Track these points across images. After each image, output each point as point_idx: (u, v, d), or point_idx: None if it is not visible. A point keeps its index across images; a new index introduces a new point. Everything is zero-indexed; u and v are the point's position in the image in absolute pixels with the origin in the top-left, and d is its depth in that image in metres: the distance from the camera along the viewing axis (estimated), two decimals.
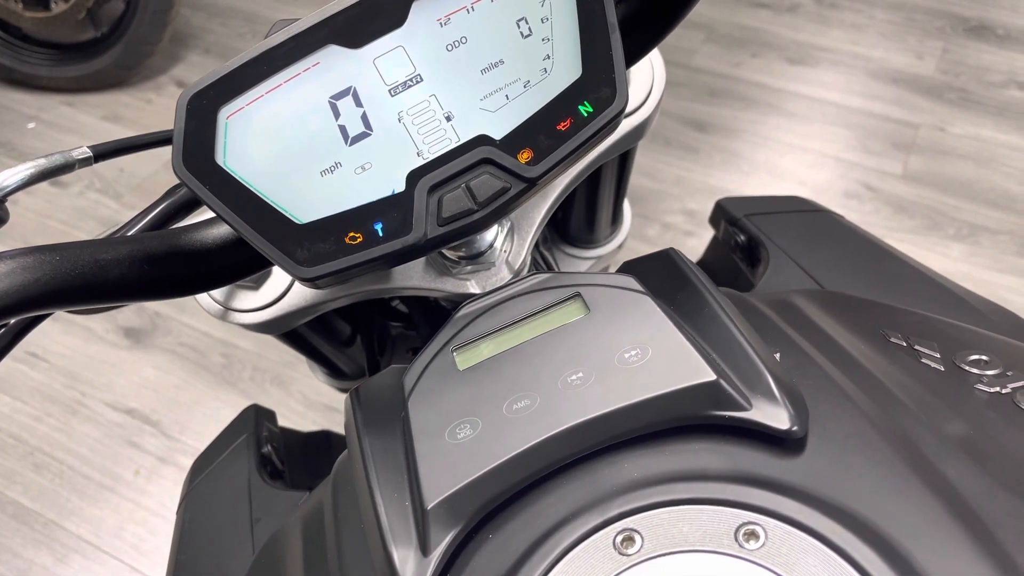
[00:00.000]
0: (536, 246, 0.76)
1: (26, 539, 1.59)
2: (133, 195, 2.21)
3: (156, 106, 2.49)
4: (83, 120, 2.46)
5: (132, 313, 1.92)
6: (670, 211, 2.06)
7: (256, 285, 0.57)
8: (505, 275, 0.54)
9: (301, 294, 0.57)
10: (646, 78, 0.61)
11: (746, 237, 0.69)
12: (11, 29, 2.46)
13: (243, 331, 1.92)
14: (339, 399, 1.75)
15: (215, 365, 1.83)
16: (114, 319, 1.91)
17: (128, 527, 1.59)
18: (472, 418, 0.39)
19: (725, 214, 0.72)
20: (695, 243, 1.99)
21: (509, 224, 0.55)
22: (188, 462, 1.69)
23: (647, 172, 2.15)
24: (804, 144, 2.21)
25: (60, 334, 1.89)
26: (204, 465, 0.65)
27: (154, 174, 2.24)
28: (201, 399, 1.78)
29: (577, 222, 0.78)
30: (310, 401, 1.76)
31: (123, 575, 1.53)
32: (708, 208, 2.11)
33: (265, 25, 2.75)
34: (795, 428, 0.36)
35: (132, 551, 1.56)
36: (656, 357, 0.38)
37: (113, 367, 1.84)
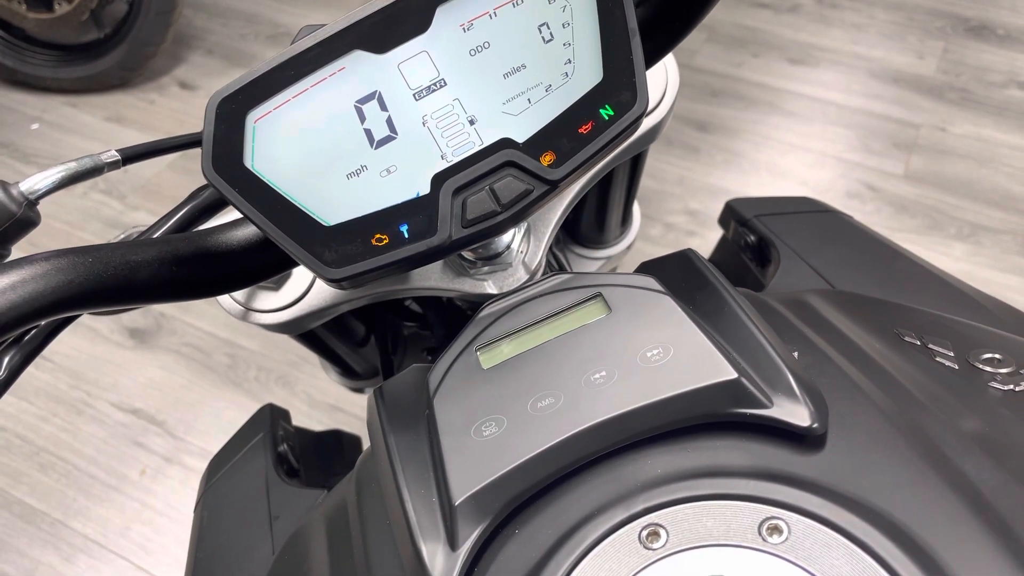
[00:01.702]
0: (550, 246, 0.77)
1: (32, 539, 1.59)
2: (137, 196, 2.21)
3: (159, 107, 2.50)
4: (86, 121, 2.46)
5: (137, 313, 1.93)
6: (672, 211, 2.07)
7: (276, 286, 0.57)
8: (522, 275, 0.54)
9: (320, 295, 0.58)
10: (660, 80, 0.62)
11: (756, 237, 0.70)
12: (14, 30, 2.46)
13: (248, 331, 1.92)
14: (344, 399, 1.76)
15: (220, 365, 1.83)
16: (119, 319, 1.92)
17: (134, 526, 1.60)
18: (497, 416, 0.39)
19: (735, 215, 0.73)
20: (698, 243, 1.99)
21: (526, 225, 0.56)
22: (194, 462, 1.71)
23: (649, 172, 2.16)
24: (805, 144, 2.21)
25: (66, 334, 1.89)
26: (221, 464, 0.66)
27: (157, 176, 2.24)
28: (206, 399, 1.79)
29: (588, 223, 0.79)
30: (315, 401, 1.76)
31: (129, 574, 1.54)
32: (710, 208, 2.12)
33: (267, 26, 2.76)
34: (815, 425, 0.36)
35: (138, 550, 1.57)
36: (678, 356, 0.39)
37: (118, 367, 1.85)
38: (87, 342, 1.89)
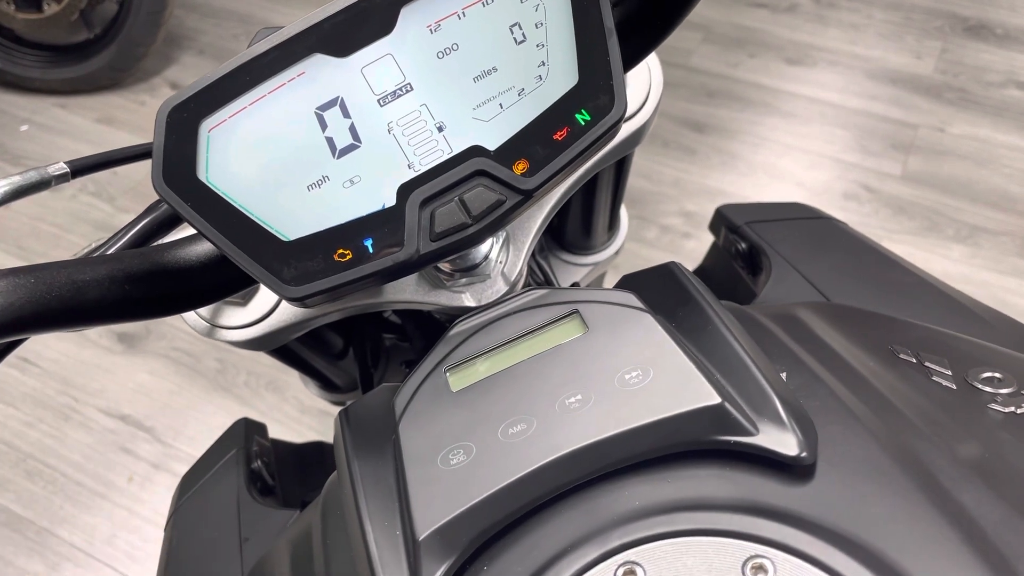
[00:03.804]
0: (532, 254, 0.75)
1: (18, 547, 1.57)
2: (126, 198, 2.19)
3: (150, 108, 2.47)
4: (76, 122, 2.44)
5: None
6: (668, 213, 2.05)
7: (244, 301, 0.55)
8: (501, 287, 0.52)
9: (290, 310, 0.55)
10: (643, 82, 0.59)
11: (747, 245, 0.67)
12: (3, 31, 2.44)
13: None
14: (334, 407, 1.74)
15: (209, 370, 1.81)
16: None
17: (121, 534, 1.57)
18: (466, 443, 0.37)
19: (725, 221, 0.71)
20: (693, 245, 1.97)
21: (504, 235, 0.53)
22: (182, 468, 1.68)
23: (644, 174, 2.13)
24: (802, 145, 2.19)
25: (53, 339, 1.87)
26: (192, 481, 0.64)
27: (147, 177, 2.21)
28: (195, 404, 1.76)
29: (573, 229, 0.77)
30: (305, 407, 1.74)
31: None
32: (706, 209, 2.10)
33: (260, 26, 2.73)
34: (804, 454, 0.34)
35: (125, 559, 1.54)
36: (658, 379, 0.37)
37: (106, 372, 1.83)
38: (75, 346, 1.87)
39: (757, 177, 2.12)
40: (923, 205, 2.02)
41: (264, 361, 1.81)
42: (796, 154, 2.17)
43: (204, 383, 1.79)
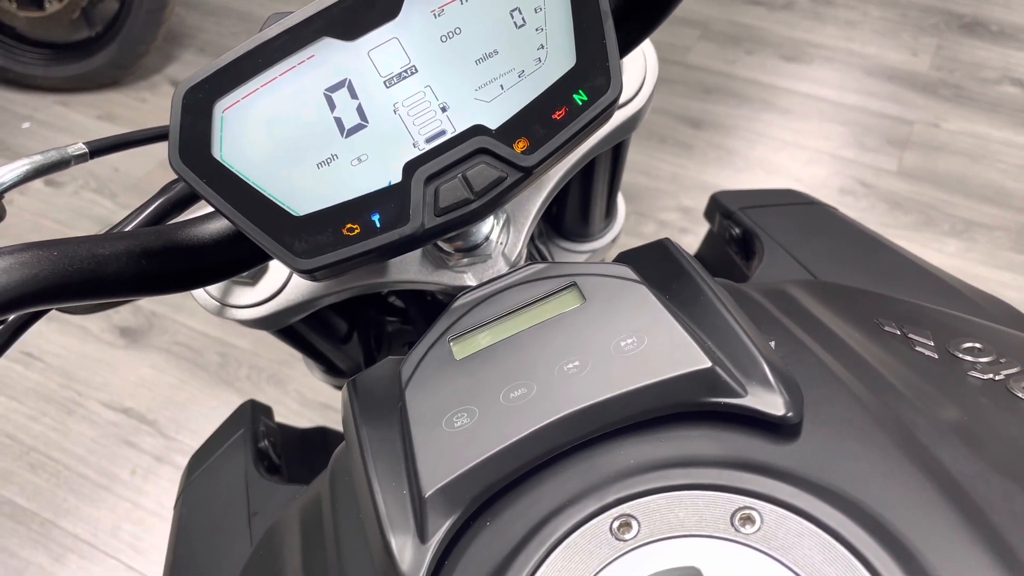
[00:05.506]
0: (532, 240, 0.76)
1: (23, 539, 1.58)
2: (128, 195, 2.20)
3: (151, 105, 2.49)
4: (77, 119, 2.45)
5: (128, 312, 1.92)
6: (665, 208, 2.06)
7: (253, 281, 0.57)
8: (502, 267, 0.54)
9: (298, 289, 0.57)
10: (639, 69, 0.61)
11: (741, 230, 0.69)
12: (5, 29, 2.45)
13: (239, 329, 1.91)
14: (336, 397, 1.75)
15: (211, 364, 1.83)
16: (110, 318, 1.91)
17: (125, 526, 1.59)
18: (469, 406, 0.39)
19: (720, 207, 0.73)
20: (691, 240, 1.99)
21: (505, 216, 0.55)
22: (184, 461, 1.69)
23: (642, 169, 2.15)
24: (799, 141, 2.21)
25: (56, 334, 1.89)
26: (201, 460, 0.65)
27: (149, 173, 2.23)
28: (197, 398, 1.78)
29: (571, 216, 0.78)
30: (306, 399, 1.76)
31: (120, 574, 1.53)
32: (703, 205, 2.10)
33: (259, 24, 2.74)
34: (790, 414, 0.36)
35: (129, 550, 1.56)
36: (652, 345, 0.39)
37: (109, 366, 1.84)
38: (77, 341, 1.88)
39: (754, 173, 2.14)
40: (919, 200, 2.04)
41: (265, 355, 1.82)
42: (793, 150, 2.19)
43: (206, 377, 1.81)
